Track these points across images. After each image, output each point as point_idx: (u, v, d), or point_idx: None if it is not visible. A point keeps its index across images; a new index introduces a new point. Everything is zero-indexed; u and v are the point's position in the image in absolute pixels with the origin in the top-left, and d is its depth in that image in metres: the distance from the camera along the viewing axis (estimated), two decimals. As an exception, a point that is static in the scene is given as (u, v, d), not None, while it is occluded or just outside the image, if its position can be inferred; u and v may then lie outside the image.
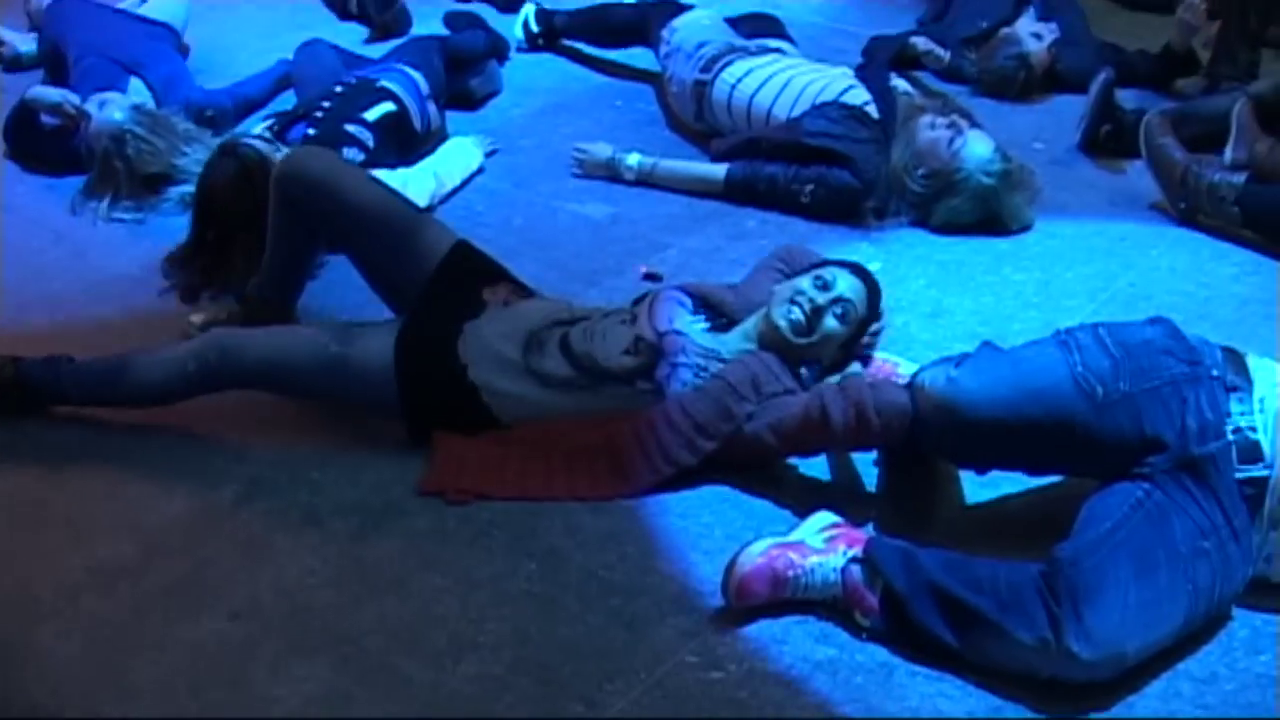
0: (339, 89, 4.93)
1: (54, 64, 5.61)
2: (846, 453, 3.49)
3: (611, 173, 4.98)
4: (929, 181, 4.62)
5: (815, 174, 4.72)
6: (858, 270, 3.63)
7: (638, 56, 5.82)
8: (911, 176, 4.63)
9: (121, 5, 5.82)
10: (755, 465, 3.44)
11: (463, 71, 5.55)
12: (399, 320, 3.67)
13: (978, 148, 4.61)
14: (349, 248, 3.88)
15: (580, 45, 6.08)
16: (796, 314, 3.51)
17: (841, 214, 4.70)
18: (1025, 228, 4.69)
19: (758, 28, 5.58)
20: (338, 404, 3.66)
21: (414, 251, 3.77)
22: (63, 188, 4.86)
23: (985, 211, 4.64)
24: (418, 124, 4.97)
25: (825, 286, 3.54)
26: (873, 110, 4.83)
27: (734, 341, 3.59)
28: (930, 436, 3.21)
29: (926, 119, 4.66)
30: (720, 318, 3.68)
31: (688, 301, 3.69)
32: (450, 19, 6.24)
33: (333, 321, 3.67)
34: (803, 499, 3.34)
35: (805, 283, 3.56)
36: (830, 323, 3.52)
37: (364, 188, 3.84)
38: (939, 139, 4.61)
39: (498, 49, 5.89)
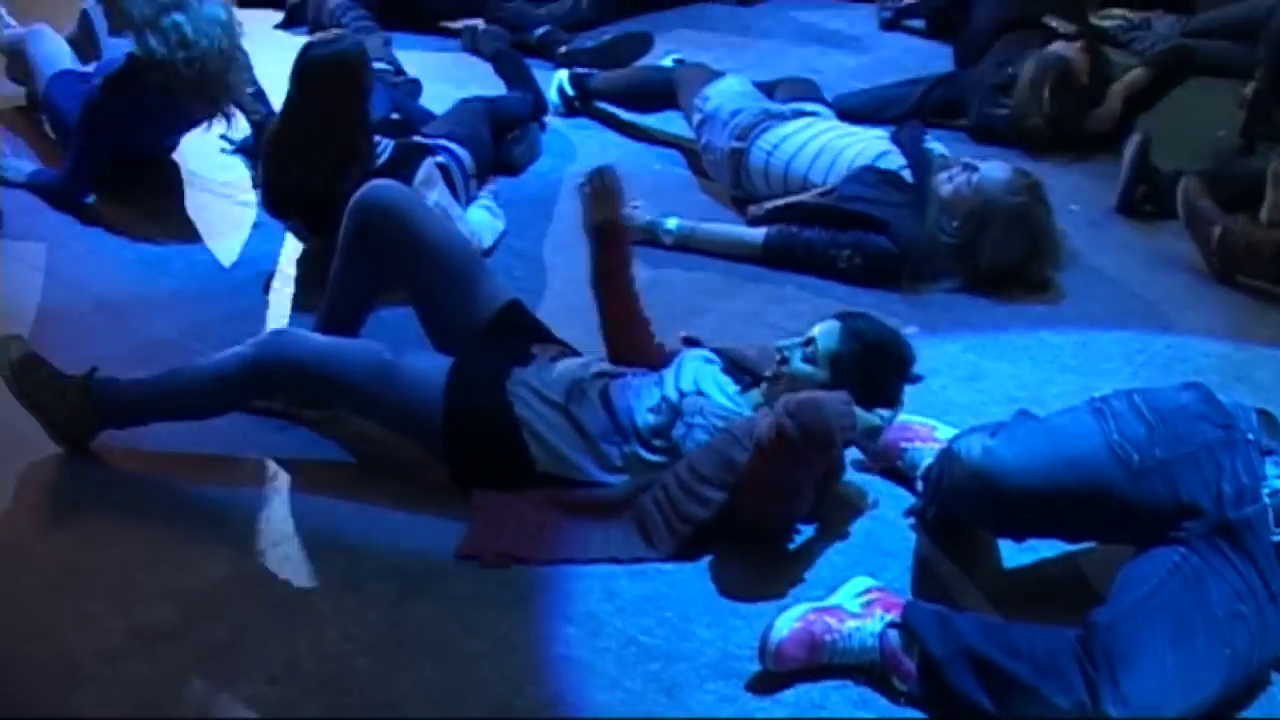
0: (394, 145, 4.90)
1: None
2: (822, 480, 3.48)
3: (650, 236, 4.99)
4: (964, 227, 4.64)
5: (852, 239, 4.74)
6: (844, 315, 3.69)
7: (674, 120, 5.85)
8: (947, 231, 4.65)
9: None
10: (770, 526, 3.45)
11: (504, 133, 5.57)
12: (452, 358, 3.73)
13: (996, 173, 4.67)
14: (412, 282, 3.94)
15: (613, 109, 6.11)
16: (774, 366, 3.62)
17: (880, 279, 4.71)
18: (1057, 268, 4.72)
19: (794, 92, 5.61)
20: (379, 415, 3.71)
21: (473, 297, 3.88)
22: (101, 252, 4.92)
23: (1026, 235, 4.64)
24: (461, 200, 4.98)
25: (801, 335, 3.64)
26: (907, 175, 4.86)
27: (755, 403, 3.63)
28: (967, 506, 3.21)
29: (943, 176, 4.71)
30: (747, 376, 3.71)
31: (718, 361, 3.73)
32: (498, 60, 6.23)
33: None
34: (840, 564, 3.35)
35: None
36: (796, 364, 3.58)
37: (437, 224, 4.01)
38: (958, 184, 4.65)
39: (539, 111, 5.90)
